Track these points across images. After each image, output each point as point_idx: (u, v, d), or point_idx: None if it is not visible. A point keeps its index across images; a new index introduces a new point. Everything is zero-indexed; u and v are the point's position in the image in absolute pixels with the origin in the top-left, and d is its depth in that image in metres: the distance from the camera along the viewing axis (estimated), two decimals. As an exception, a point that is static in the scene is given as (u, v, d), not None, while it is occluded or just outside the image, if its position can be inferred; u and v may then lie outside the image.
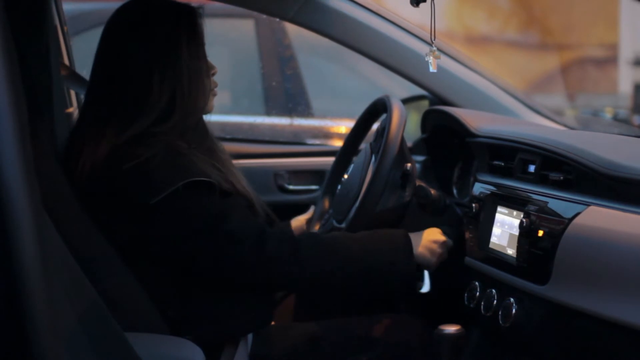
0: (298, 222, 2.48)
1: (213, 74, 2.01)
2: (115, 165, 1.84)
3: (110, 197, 1.84)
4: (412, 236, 2.09)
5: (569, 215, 1.75)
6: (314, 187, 3.03)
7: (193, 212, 1.84)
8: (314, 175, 3.03)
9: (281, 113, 4.28)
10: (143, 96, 1.88)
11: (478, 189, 2.22)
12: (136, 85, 1.89)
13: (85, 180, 1.86)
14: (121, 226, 1.83)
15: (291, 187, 3.04)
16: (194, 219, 1.84)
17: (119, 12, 1.95)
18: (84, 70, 3.30)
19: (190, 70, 1.92)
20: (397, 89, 3.92)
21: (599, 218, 1.69)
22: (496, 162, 2.20)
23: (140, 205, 1.82)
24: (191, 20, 1.95)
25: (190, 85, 1.91)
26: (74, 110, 2.49)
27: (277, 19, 3.94)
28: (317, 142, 3.64)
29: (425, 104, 2.89)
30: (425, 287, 2.06)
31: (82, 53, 3.27)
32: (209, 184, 1.85)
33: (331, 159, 2.66)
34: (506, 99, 2.82)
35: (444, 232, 2.29)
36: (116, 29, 1.95)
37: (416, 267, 2.08)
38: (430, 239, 2.13)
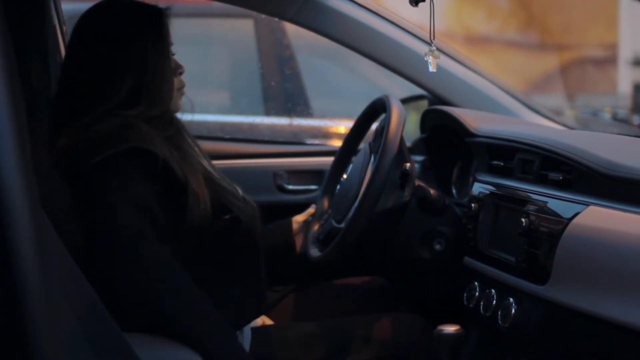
0: (296, 223, 2.47)
1: (180, 73, 2.04)
2: (73, 143, 1.86)
3: (63, 169, 1.85)
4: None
5: (569, 215, 1.75)
6: (313, 187, 3.03)
7: (119, 182, 1.82)
8: (313, 175, 3.03)
9: (280, 113, 4.28)
10: (106, 89, 1.91)
11: (477, 189, 2.22)
12: (100, 78, 1.92)
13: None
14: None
15: (290, 187, 3.04)
16: (115, 191, 1.81)
17: (90, 11, 1.99)
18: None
19: (155, 67, 1.94)
20: (396, 89, 3.92)
21: (598, 218, 1.69)
22: (495, 162, 2.20)
23: (84, 170, 1.82)
24: (157, 20, 1.98)
25: (154, 80, 1.94)
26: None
27: (277, 19, 3.94)
28: (316, 142, 3.64)
29: (424, 104, 2.88)
30: None
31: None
32: (152, 158, 1.84)
33: (330, 159, 2.65)
34: (505, 99, 2.82)
35: (443, 233, 2.29)
36: (86, 27, 1.98)
37: None
38: None
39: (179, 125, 2.05)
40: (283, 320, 2.35)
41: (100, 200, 1.80)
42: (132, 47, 1.94)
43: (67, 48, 2.00)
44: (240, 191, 2.12)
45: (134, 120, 1.89)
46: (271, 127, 4.16)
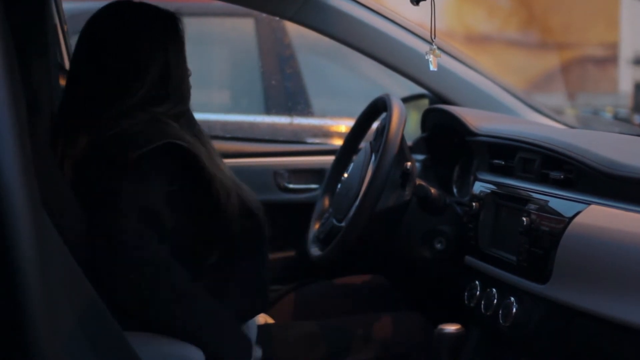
0: None
1: (188, 76, 2.04)
2: (98, 137, 1.85)
3: (94, 165, 1.84)
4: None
5: (570, 214, 1.75)
6: (313, 186, 3.03)
7: (160, 176, 1.83)
8: (314, 174, 3.03)
9: (281, 112, 4.28)
10: (130, 86, 1.91)
11: (478, 188, 2.22)
12: (123, 76, 1.92)
13: (73, 168, 1.86)
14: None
15: (291, 186, 3.04)
16: (156, 185, 1.82)
17: (107, 11, 1.98)
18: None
19: (177, 64, 1.96)
20: (397, 87, 3.92)
21: (599, 217, 1.68)
22: (496, 161, 2.20)
23: (120, 163, 1.81)
24: (174, 21, 1.99)
25: (177, 78, 1.95)
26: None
27: (277, 18, 3.93)
28: (317, 141, 3.64)
29: (425, 103, 2.88)
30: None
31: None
32: (185, 154, 1.84)
33: (331, 158, 2.66)
34: (506, 98, 2.82)
35: (444, 232, 2.29)
36: (100, 26, 1.97)
37: None
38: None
39: (198, 125, 2.06)
40: (284, 318, 2.35)
41: (115, 199, 1.79)
42: (154, 46, 1.94)
43: (79, 47, 1.98)
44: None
45: (162, 116, 1.89)
46: (272, 126, 4.16)
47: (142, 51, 1.93)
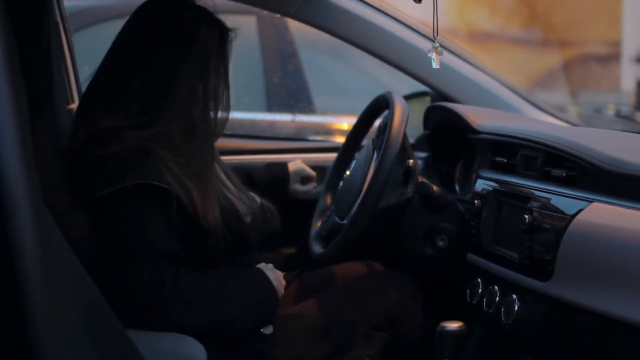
0: (295, 165, 2.57)
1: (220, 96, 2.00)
2: (85, 151, 1.85)
3: (71, 182, 1.85)
4: (268, 272, 2.00)
5: (572, 212, 1.75)
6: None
7: (131, 216, 1.81)
8: (316, 171, 3.03)
9: (283, 109, 4.27)
10: (136, 92, 1.90)
11: (480, 185, 2.22)
12: (134, 81, 1.91)
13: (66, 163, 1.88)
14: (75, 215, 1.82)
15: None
16: (128, 224, 1.80)
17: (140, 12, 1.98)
18: (85, 67, 3.29)
19: (189, 79, 1.92)
20: (400, 85, 3.91)
21: (601, 215, 1.68)
22: (499, 159, 2.20)
23: (89, 197, 1.81)
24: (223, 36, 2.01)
25: (183, 93, 1.91)
26: (75, 106, 2.49)
27: (279, 16, 3.93)
28: (319, 138, 3.64)
29: (427, 100, 2.88)
30: (269, 329, 2.01)
31: (84, 50, 3.27)
32: (164, 194, 1.82)
33: (333, 155, 2.65)
34: (509, 96, 2.82)
35: (446, 229, 2.29)
36: (137, 26, 1.97)
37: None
38: (277, 276, 2.03)
39: (209, 160, 2.02)
40: (287, 306, 2.35)
41: (112, 227, 1.80)
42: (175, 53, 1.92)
43: (116, 44, 1.98)
44: (257, 198, 2.16)
45: (152, 146, 1.85)
46: (274, 124, 4.16)
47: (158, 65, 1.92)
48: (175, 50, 1.93)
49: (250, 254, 2.05)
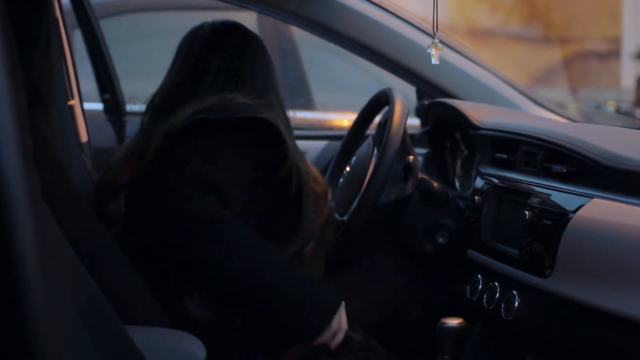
0: None
1: None
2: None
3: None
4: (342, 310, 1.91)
5: (572, 208, 1.74)
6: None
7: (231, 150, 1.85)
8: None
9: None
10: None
11: (481, 181, 2.22)
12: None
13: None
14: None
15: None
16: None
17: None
18: (86, 65, 3.29)
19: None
20: (400, 82, 3.91)
21: (602, 211, 1.68)
22: (499, 155, 2.20)
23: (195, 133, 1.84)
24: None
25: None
26: (75, 102, 2.49)
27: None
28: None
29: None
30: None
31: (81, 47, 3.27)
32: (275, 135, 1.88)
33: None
34: (509, 92, 2.82)
35: (446, 226, 2.29)
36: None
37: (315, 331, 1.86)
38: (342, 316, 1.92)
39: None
40: None
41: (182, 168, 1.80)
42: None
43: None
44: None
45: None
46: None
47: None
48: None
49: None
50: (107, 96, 3.34)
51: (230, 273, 1.78)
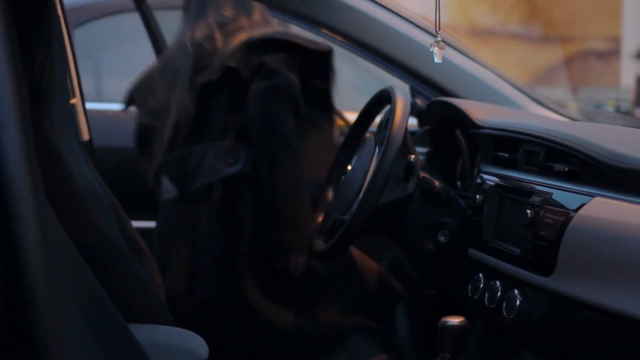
0: None
1: None
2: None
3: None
4: None
5: (574, 207, 1.74)
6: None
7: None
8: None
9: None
10: None
11: (482, 180, 2.22)
12: None
13: None
14: None
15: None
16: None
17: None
18: (86, 62, 3.29)
19: None
20: (399, 82, 3.91)
21: (603, 209, 1.68)
22: (500, 154, 2.20)
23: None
24: None
25: None
26: (77, 101, 2.49)
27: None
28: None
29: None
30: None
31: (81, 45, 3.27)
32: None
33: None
34: (510, 91, 2.82)
35: (447, 224, 2.29)
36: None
37: None
38: None
39: None
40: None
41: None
42: None
43: None
44: None
45: None
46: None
47: None
48: None
49: None
50: None
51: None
